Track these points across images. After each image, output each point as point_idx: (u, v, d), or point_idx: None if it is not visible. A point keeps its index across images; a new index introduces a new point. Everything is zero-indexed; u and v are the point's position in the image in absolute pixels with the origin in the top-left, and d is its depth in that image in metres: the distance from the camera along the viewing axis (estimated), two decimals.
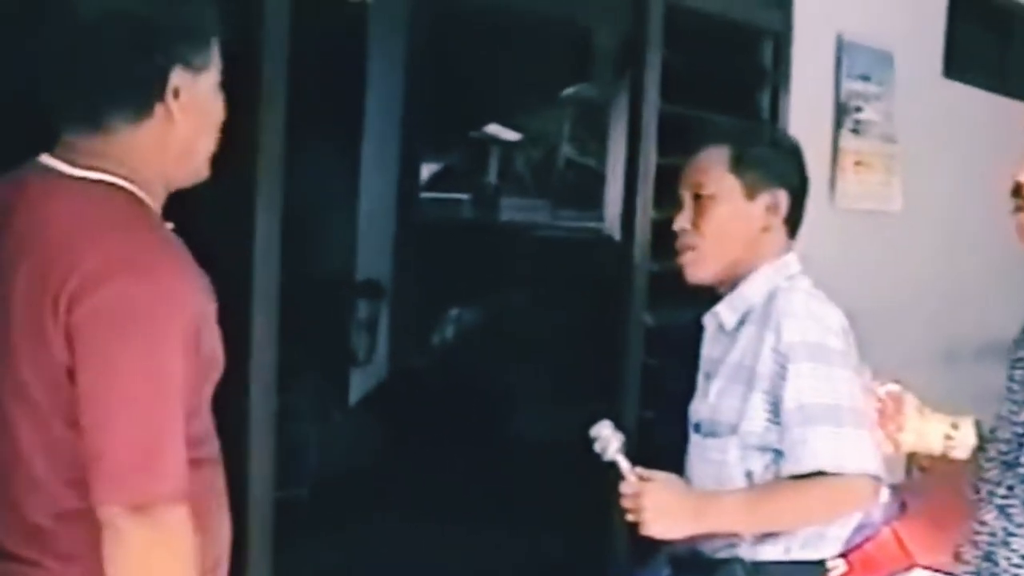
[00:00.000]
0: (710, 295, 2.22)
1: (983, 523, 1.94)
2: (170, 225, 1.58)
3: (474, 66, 5.72)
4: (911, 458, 2.52)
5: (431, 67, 5.51)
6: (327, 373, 5.13)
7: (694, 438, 2.18)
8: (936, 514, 2.37)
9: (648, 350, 3.15)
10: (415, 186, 5.93)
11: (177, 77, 1.54)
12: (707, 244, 2.16)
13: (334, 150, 4.99)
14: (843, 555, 2.13)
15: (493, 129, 7.29)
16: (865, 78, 4.06)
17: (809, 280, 2.17)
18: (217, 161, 1.66)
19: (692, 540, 2.07)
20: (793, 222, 2.20)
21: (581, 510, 3.03)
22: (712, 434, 2.12)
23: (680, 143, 2.35)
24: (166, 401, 1.46)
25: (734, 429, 2.07)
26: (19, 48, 1.59)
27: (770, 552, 2.07)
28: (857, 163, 4.07)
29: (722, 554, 2.09)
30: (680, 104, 3.11)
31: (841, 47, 3.95)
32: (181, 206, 1.63)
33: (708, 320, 2.22)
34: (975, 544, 1.96)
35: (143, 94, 1.53)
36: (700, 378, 2.22)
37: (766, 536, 2.06)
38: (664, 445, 2.24)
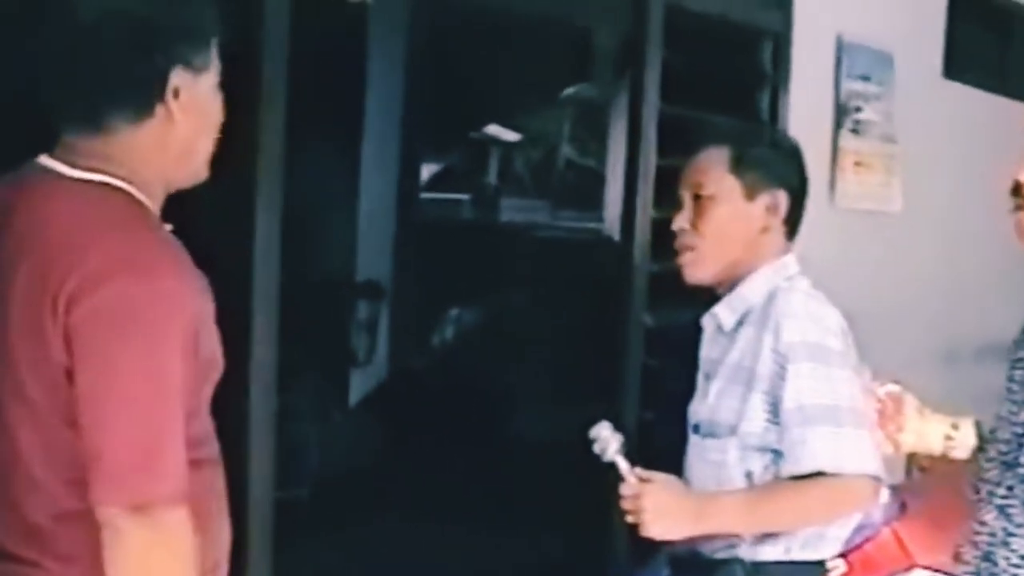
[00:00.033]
0: (710, 296, 2.22)
1: (983, 523, 1.94)
2: (169, 226, 1.58)
3: (474, 66, 5.72)
4: (911, 458, 2.52)
5: (431, 67, 5.51)
6: (327, 373, 5.13)
7: (693, 439, 2.18)
8: (936, 514, 2.37)
9: (648, 351, 3.15)
10: (415, 186, 5.93)
11: (177, 77, 1.54)
12: (706, 244, 2.16)
13: (334, 150, 4.99)
14: (843, 555, 2.13)
15: (493, 129, 7.29)
16: (865, 78, 4.06)
17: (808, 281, 2.17)
18: (217, 161, 1.66)
19: (692, 541, 2.07)
20: (792, 223, 2.20)
21: (581, 510, 3.03)
22: (711, 435, 2.12)
23: (680, 144, 2.35)
24: (165, 401, 1.46)
25: (733, 430, 2.07)
26: (19, 48, 1.58)
27: (770, 552, 2.07)
28: (857, 163, 4.06)
29: (722, 554, 2.09)
30: (680, 105, 3.11)
31: (841, 47, 3.95)
32: (181, 206, 1.63)
33: (707, 321, 2.22)
34: (975, 544, 1.96)
35: (143, 94, 1.53)
36: (699, 379, 2.22)
37: (766, 536, 2.06)
38: (664, 446, 2.24)
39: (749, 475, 2.06)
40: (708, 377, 2.18)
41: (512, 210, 6.89)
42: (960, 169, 4.57)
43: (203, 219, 1.71)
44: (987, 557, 1.93)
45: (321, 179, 4.39)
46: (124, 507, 1.42)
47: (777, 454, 2.02)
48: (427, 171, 6.53)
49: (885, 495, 2.14)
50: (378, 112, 5.34)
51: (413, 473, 4.32)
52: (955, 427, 2.14)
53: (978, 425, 2.13)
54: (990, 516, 1.93)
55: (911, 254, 4.38)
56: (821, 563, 2.10)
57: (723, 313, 2.17)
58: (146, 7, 1.51)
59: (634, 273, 3.10)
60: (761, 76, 3.56)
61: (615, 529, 2.59)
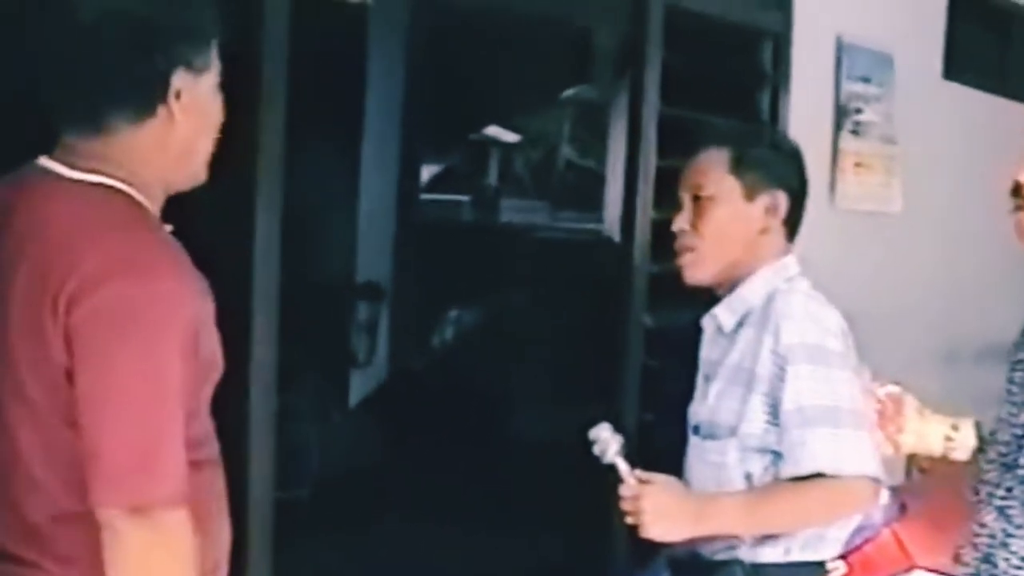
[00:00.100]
0: (709, 297, 2.22)
1: (982, 525, 1.94)
2: (169, 227, 1.58)
3: (474, 68, 5.73)
4: (911, 459, 2.52)
5: (431, 68, 5.52)
6: (327, 374, 5.13)
7: (693, 440, 2.18)
8: (936, 516, 2.37)
9: (648, 352, 3.15)
10: (415, 187, 5.94)
11: (179, 78, 1.54)
12: (706, 245, 2.16)
13: (334, 151, 4.99)
14: (843, 556, 2.13)
15: (493, 131, 7.31)
16: (865, 79, 4.06)
17: (808, 282, 2.17)
18: (217, 162, 1.66)
19: (692, 542, 2.07)
20: (792, 224, 2.20)
21: (581, 512, 3.03)
22: (711, 436, 2.12)
23: (680, 144, 2.35)
24: (164, 402, 1.46)
25: (733, 431, 2.07)
26: (18, 49, 1.58)
27: (770, 554, 2.07)
28: (857, 164, 4.06)
29: (721, 556, 2.09)
30: (680, 105, 3.11)
31: (841, 48, 3.95)
32: (181, 207, 1.63)
33: (707, 322, 2.22)
34: (974, 546, 1.97)
35: (145, 95, 1.53)
36: (699, 380, 2.22)
37: (766, 538, 2.06)
38: (664, 447, 2.24)
39: (749, 476, 2.06)
40: (708, 378, 2.18)
41: (512, 211, 6.91)
42: (960, 170, 4.57)
43: (203, 219, 1.71)
44: (987, 559, 1.93)
45: (321, 180, 4.39)
46: (123, 508, 1.42)
47: (777, 455, 2.02)
48: (427, 172, 6.54)
49: (885, 496, 2.14)
50: (378, 113, 5.35)
51: (413, 474, 4.33)
52: (955, 428, 2.14)
53: (978, 426, 2.13)
54: (990, 518, 1.93)
55: (911, 255, 4.38)
56: (821, 564, 2.10)
57: (723, 314, 2.17)
58: (148, 8, 1.51)
59: (634, 274, 3.10)
60: (761, 77, 3.56)
61: (615, 530, 2.59)
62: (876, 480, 1.99)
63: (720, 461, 2.08)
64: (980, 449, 2.09)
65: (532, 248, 5.70)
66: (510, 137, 7.38)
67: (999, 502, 1.92)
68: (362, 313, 5.39)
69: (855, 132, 4.04)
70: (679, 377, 2.28)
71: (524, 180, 7.45)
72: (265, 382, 2.18)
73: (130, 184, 1.53)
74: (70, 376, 1.44)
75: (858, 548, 2.19)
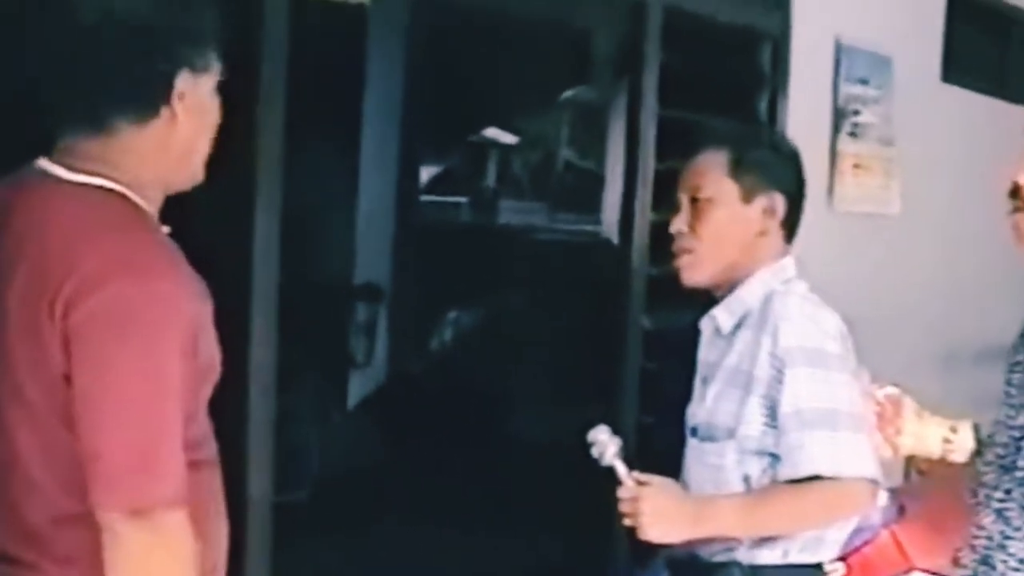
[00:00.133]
0: (708, 298, 2.22)
1: (981, 527, 1.94)
2: (166, 228, 1.58)
3: (473, 69, 5.73)
4: (910, 461, 2.53)
5: (430, 69, 5.51)
6: (326, 376, 5.13)
7: (691, 442, 2.18)
8: (935, 517, 2.37)
9: (646, 354, 3.15)
10: (414, 189, 5.94)
11: (181, 80, 1.55)
12: (704, 247, 2.16)
13: (333, 153, 4.99)
14: (841, 558, 2.13)
15: (492, 132, 7.31)
16: (863, 82, 4.06)
17: (806, 284, 2.17)
18: (216, 162, 1.66)
19: (690, 544, 2.07)
20: (790, 226, 2.20)
21: (580, 514, 3.03)
22: (709, 438, 2.11)
23: (679, 146, 2.35)
24: (163, 403, 1.46)
25: (731, 433, 2.07)
26: (17, 51, 1.58)
27: (768, 556, 2.07)
28: (855, 166, 4.07)
29: (720, 558, 2.09)
30: (678, 107, 3.12)
31: (839, 51, 3.96)
32: (180, 207, 1.63)
33: (705, 324, 2.22)
34: (973, 548, 1.96)
35: (149, 96, 1.53)
36: (697, 382, 2.22)
37: (764, 540, 2.06)
38: (663, 449, 2.24)
39: (747, 479, 2.06)
40: (706, 380, 2.18)
41: (511, 213, 6.91)
42: (958, 172, 4.58)
43: (202, 220, 1.71)
44: (985, 561, 1.93)
45: (320, 181, 4.39)
46: (123, 511, 1.42)
47: (775, 458, 2.02)
48: (426, 173, 6.54)
49: (883, 498, 2.14)
50: (377, 114, 5.35)
51: (412, 476, 4.32)
52: (954, 430, 2.14)
53: (977, 428, 2.13)
54: (988, 520, 1.93)
55: (910, 257, 4.38)
56: (819, 566, 2.10)
57: (721, 316, 2.17)
58: (152, 10, 1.52)
59: (632, 276, 3.10)
60: (760, 79, 3.57)
61: (614, 532, 2.59)
62: (874, 482, 1.99)
63: (718, 463, 2.08)
64: (978, 451, 2.08)
65: (531, 250, 5.70)
66: (509, 139, 7.38)
67: (997, 504, 1.92)
68: (361, 314, 5.39)
69: (853, 134, 4.05)
70: (678, 379, 2.28)
71: (523, 182, 7.45)
72: (264, 383, 2.18)
73: (128, 186, 1.54)
74: (68, 378, 1.45)
75: (857, 550, 2.20)
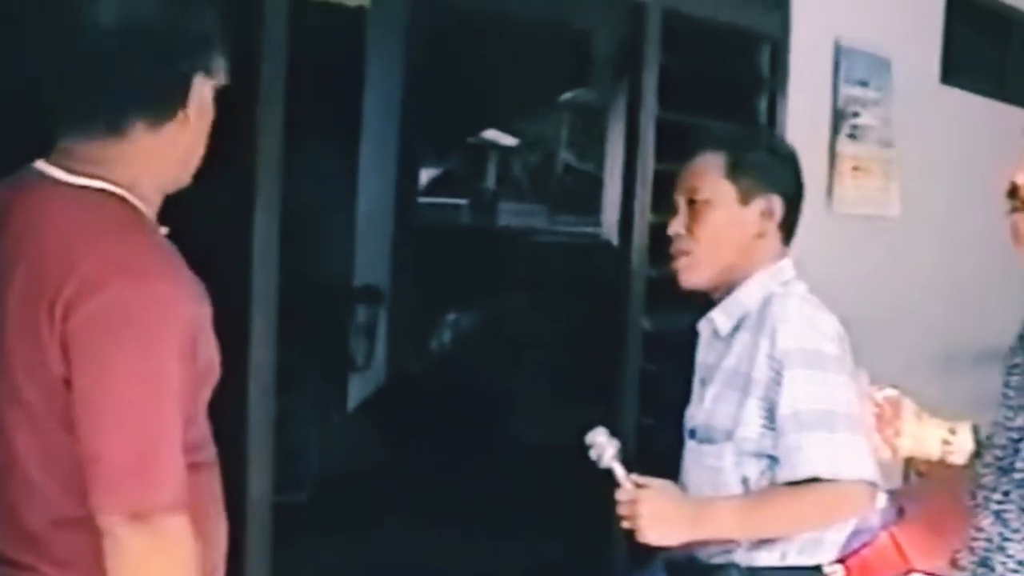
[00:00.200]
0: (707, 300, 2.22)
1: (979, 529, 1.94)
2: (165, 230, 1.59)
3: (472, 71, 5.73)
4: (909, 463, 2.52)
5: (429, 71, 5.52)
6: (326, 377, 5.13)
7: (690, 444, 2.18)
8: (934, 519, 2.37)
9: (646, 355, 3.15)
10: (413, 191, 5.95)
11: (197, 83, 1.57)
12: (701, 249, 2.16)
13: (332, 154, 4.99)
14: (840, 560, 2.13)
15: (491, 134, 7.31)
16: (863, 83, 4.06)
17: (804, 285, 2.17)
18: (216, 162, 1.66)
19: (688, 546, 2.07)
20: (788, 228, 2.20)
21: (579, 515, 3.03)
22: (708, 440, 2.11)
23: (678, 148, 2.35)
24: (162, 406, 1.46)
25: (730, 435, 2.07)
26: (21, 53, 1.58)
27: (766, 558, 2.07)
28: (855, 168, 4.07)
29: (718, 560, 2.09)
30: (678, 109, 3.12)
31: (839, 52, 3.96)
32: (180, 208, 1.63)
33: (703, 326, 2.22)
34: (971, 550, 1.96)
35: (169, 100, 1.55)
36: (695, 384, 2.22)
37: (762, 542, 2.06)
38: (662, 450, 2.23)
39: (745, 481, 2.06)
40: (704, 382, 2.18)
41: (510, 214, 6.92)
42: (958, 174, 4.58)
43: (202, 220, 1.71)
44: (984, 562, 1.93)
45: (319, 183, 4.39)
46: (123, 514, 1.42)
47: (773, 460, 2.02)
48: (425, 175, 6.54)
49: (882, 500, 2.14)
50: (376, 116, 5.35)
51: (412, 477, 4.32)
52: (953, 432, 2.13)
53: (976, 430, 2.13)
54: (986, 521, 1.93)
55: (909, 259, 4.38)
56: (818, 568, 2.10)
57: (719, 318, 2.17)
58: (171, 14, 1.53)
59: (632, 277, 3.10)
60: (759, 81, 3.57)
61: (613, 534, 2.59)
62: (872, 484, 1.99)
63: (716, 465, 2.08)
64: (977, 453, 2.08)
65: (530, 252, 5.70)
66: (508, 141, 7.39)
67: (995, 506, 1.92)
68: (360, 316, 5.39)
69: (853, 136, 4.05)
70: (677, 381, 2.28)
71: (522, 184, 7.46)
72: (264, 384, 2.18)
73: (127, 188, 1.54)
74: (67, 381, 1.44)
75: (856, 552, 2.20)
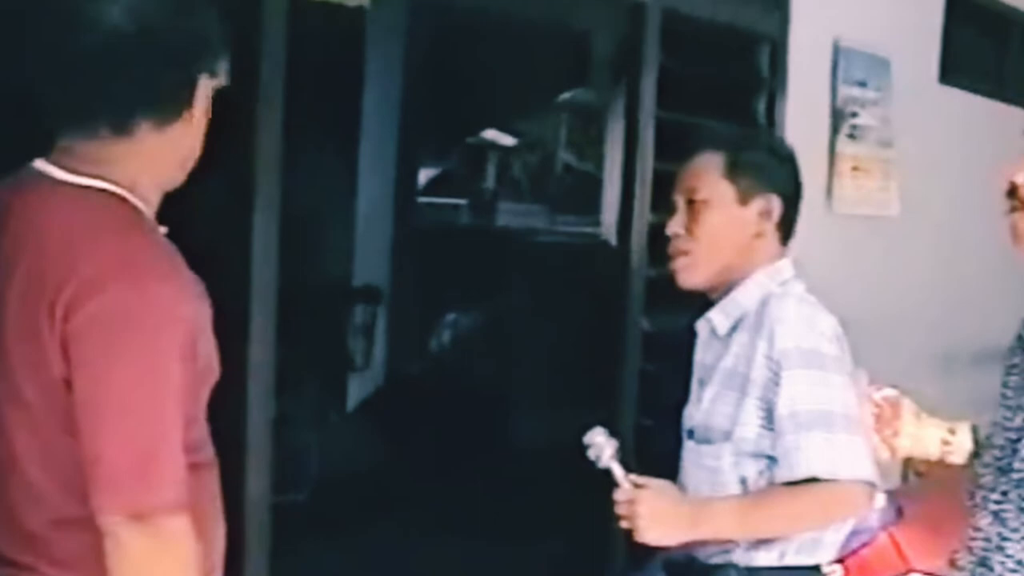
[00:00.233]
0: (706, 300, 2.22)
1: (978, 528, 1.94)
2: (164, 229, 1.59)
3: (471, 71, 5.73)
4: (908, 463, 2.52)
5: (428, 72, 5.52)
6: (325, 378, 5.13)
7: (688, 444, 2.18)
8: (933, 519, 2.37)
9: (645, 355, 3.15)
10: (412, 191, 5.94)
11: (202, 84, 1.58)
12: (700, 249, 2.16)
13: (332, 155, 4.99)
14: (839, 560, 2.13)
15: (490, 134, 7.30)
16: (862, 83, 4.06)
17: (802, 285, 2.17)
18: (215, 162, 1.66)
19: (687, 546, 2.07)
20: (787, 228, 2.20)
21: (578, 516, 3.03)
22: (706, 440, 2.12)
23: (677, 148, 2.35)
24: (164, 408, 1.46)
25: (728, 435, 2.07)
26: (22, 52, 1.58)
27: (765, 558, 2.07)
28: (854, 168, 4.07)
29: (716, 560, 2.09)
30: (677, 110, 3.12)
31: (838, 52, 3.96)
32: (179, 207, 1.63)
33: (701, 325, 2.22)
34: (970, 550, 1.96)
35: (177, 101, 1.56)
36: (693, 384, 2.22)
37: (761, 542, 2.06)
38: (662, 451, 2.23)
39: (743, 481, 2.06)
40: (702, 382, 2.18)
41: (509, 215, 6.90)
42: (957, 174, 4.58)
43: (201, 220, 1.71)
44: (982, 562, 1.93)
45: (319, 183, 4.39)
46: (124, 515, 1.42)
47: (771, 460, 2.02)
48: (424, 175, 6.54)
49: (881, 500, 2.14)
50: (375, 116, 5.35)
51: (411, 478, 4.32)
52: (952, 432, 2.14)
53: (975, 430, 2.13)
54: (985, 521, 1.93)
55: (908, 259, 4.38)
56: (817, 568, 2.10)
57: (717, 318, 2.17)
58: (179, 17, 1.54)
59: (631, 278, 3.10)
60: (758, 81, 3.57)
61: (612, 534, 2.59)
62: (870, 484, 1.99)
63: (715, 465, 2.09)
64: (977, 453, 2.08)
65: (529, 252, 5.69)
66: (507, 141, 7.38)
67: (994, 506, 1.92)
68: (359, 317, 5.39)
69: (852, 136, 4.05)
70: (677, 381, 2.28)
71: (521, 184, 7.45)
72: (263, 384, 2.18)
73: (128, 188, 1.54)
74: (68, 382, 1.45)
75: (855, 552, 2.20)
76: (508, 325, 5.32)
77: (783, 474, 1.98)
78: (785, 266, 2.18)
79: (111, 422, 1.43)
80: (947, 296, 4.62)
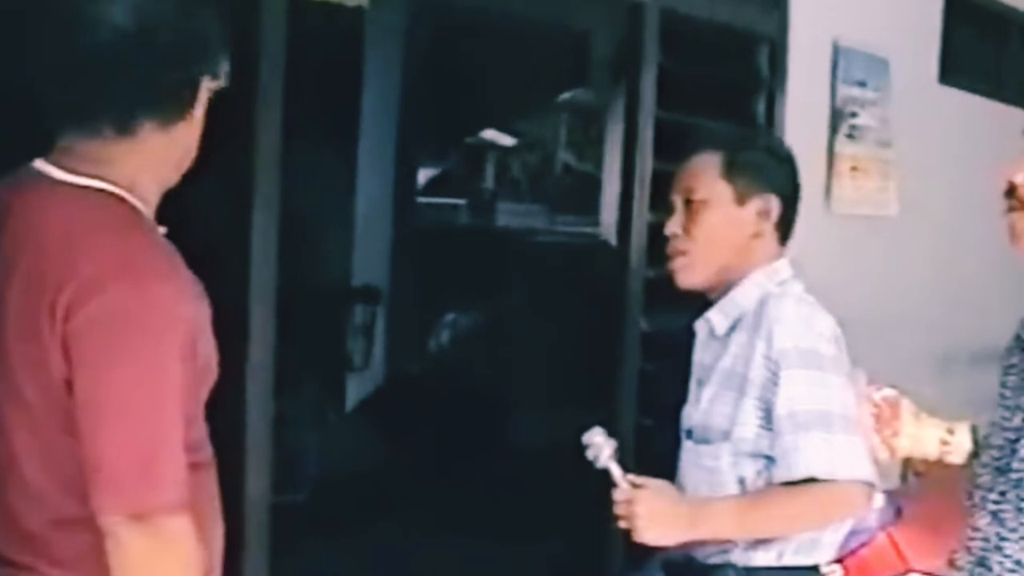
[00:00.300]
0: (704, 300, 2.22)
1: (976, 528, 1.94)
2: (163, 229, 1.59)
3: (470, 71, 5.73)
4: (907, 463, 2.52)
5: (428, 72, 5.52)
6: (324, 378, 5.13)
7: (686, 444, 2.18)
8: (932, 519, 2.37)
9: (645, 355, 3.15)
10: (412, 191, 5.94)
11: (204, 85, 1.59)
12: (698, 249, 2.16)
13: (331, 155, 4.99)
14: (838, 560, 2.13)
15: (490, 134, 7.30)
16: (861, 83, 4.07)
17: (801, 285, 2.17)
18: (214, 162, 1.67)
19: (685, 546, 2.07)
20: (785, 228, 2.20)
21: (577, 516, 3.03)
22: (704, 440, 2.12)
23: (676, 148, 2.35)
24: (164, 408, 1.46)
25: (726, 435, 2.07)
26: (22, 51, 1.58)
27: (763, 558, 2.07)
28: (853, 168, 4.07)
29: (715, 560, 2.09)
30: (676, 110, 3.12)
31: (837, 53, 3.96)
32: (178, 207, 1.63)
33: (700, 325, 2.22)
34: (968, 549, 1.96)
35: (178, 102, 1.56)
36: (692, 384, 2.22)
37: (759, 542, 2.06)
38: (661, 451, 2.24)
39: (742, 481, 2.06)
40: (701, 383, 2.18)
41: (509, 215, 6.90)
42: (956, 174, 4.58)
43: (200, 220, 1.71)
44: (981, 562, 1.93)
45: (318, 183, 4.39)
46: (125, 515, 1.43)
47: (770, 460, 2.02)
48: (424, 175, 6.53)
49: (880, 500, 2.14)
50: (374, 116, 5.34)
51: (410, 478, 4.32)
52: (951, 432, 2.14)
53: (974, 430, 2.13)
54: (983, 521, 1.93)
55: (908, 259, 4.38)
56: (815, 568, 2.10)
57: (716, 318, 2.17)
58: (182, 18, 1.54)
59: (630, 277, 3.10)
60: (757, 81, 3.57)
61: (611, 534, 2.59)
62: (869, 484, 1.99)
63: (713, 465, 2.09)
64: (976, 453, 2.08)
65: (529, 252, 5.69)
66: (507, 141, 7.38)
67: (992, 506, 1.92)
68: (358, 317, 5.38)
69: (851, 136, 4.05)
70: (676, 381, 2.28)
71: (521, 184, 7.45)
72: (262, 384, 2.18)
73: (127, 188, 1.54)
74: (68, 382, 1.45)
75: (853, 552, 2.20)
76: (507, 325, 5.32)
77: (781, 474, 1.98)
78: (783, 266, 2.18)
79: (111, 422, 1.43)
80: (946, 296, 4.62)
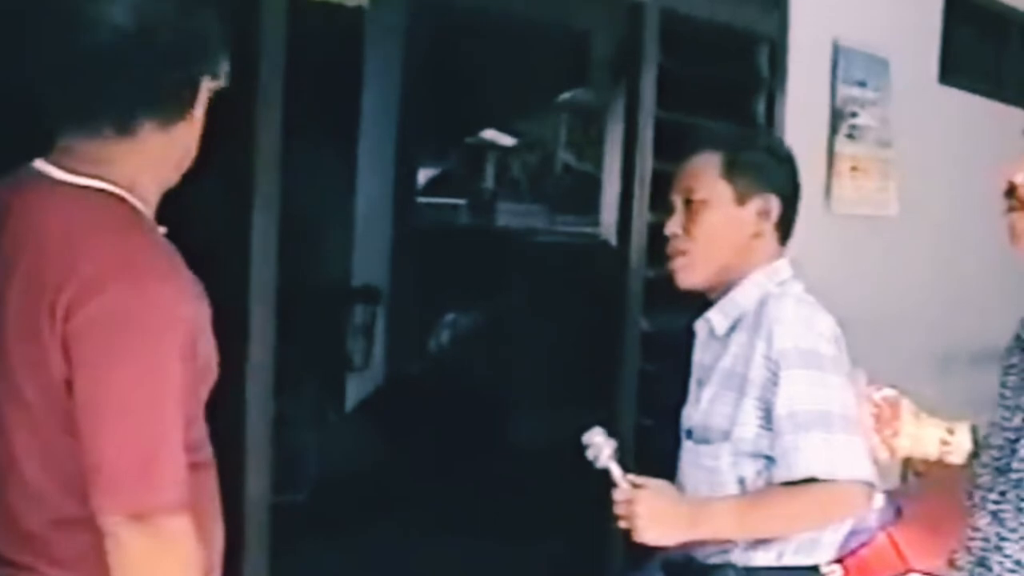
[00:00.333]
0: (704, 300, 2.22)
1: (976, 528, 1.94)
2: (163, 229, 1.59)
3: (470, 71, 5.73)
4: (907, 463, 2.52)
5: (427, 72, 5.52)
6: (324, 378, 5.12)
7: (686, 444, 2.18)
8: (932, 519, 2.37)
9: (645, 355, 3.15)
10: (412, 191, 5.94)
11: (204, 85, 1.59)
12: (698, 249, 2.16)
13: (331, 155, 4.98)
14: (838, 560, 2.13)
15: (490, 134, 7.30)
16: (861, 83, 4.07)
17: (801, 285, 2.17)
18: (214, 162, 1.67)
19: (685, 546, 2.07)
20: (785, 228, 2.20)
21: (577, 516, 3.03)
22: (704, 440, 2.12)
23: (676, 148, 2.35)
24: (164, 408, 1.46)
25: (726, 435, 2.07)
26: (22, 51, 1.58)
27: (763, 558, 2.07)
28: (853, 168, 4.07)
29: (715, 560, 2.09)
30: (676, 110, 3.12)
31: (837, 53, 3.96)
32: (178, 207, 1.63)
33: (700, 326, 2.22)
34: (968, 549, 1.96)
35: (181, 102, 1.56)
36: (692, 384, 2.22)
37: (759, 542, 2.06)
38: (662, 451, 2.24)
39: (742, 481, 2.06)
40: (701, 383, 2.18)
41: (509, 215, 6.90)
42: (956, 174, 4.58)
43: (200, 220, 1.71)
44: (981, 562, 1.93)
45: (318, 183, 4.39)
46: (125, 515, 1.43)
47: (770, 460, 2.02)
48: (424, 175, 6.53)
49: (880, 500, 2.14)
50: (374, 116, 5.34)
51: (410, 478, 4.32)
52: (951, 432, 2.14)
53: (974, 430, 2.13)
54: (983, 521, 1.93)
55: (907, 259, 4.38)
56: (815, 568, 2.10)
57: (716, 318, 2.17)
58: (183, 18, 1.54)
59: (630, 278, 3.10)
60: (757, 81, 3.57)
61: (611, 534, 2.59)
62: (869, 484, 1.99)
63: (713, 465, 2.09)
64: (976, 453, 2.08)
65: (528, 252, 5.69)
66: (507, 141, 7.38)
67: (992, 506, 1.92)
68: (358, 317, 5.38)
69: (851, 136, 4.05)
70: (676, 381, 2.28)
71: (521, 184, 7.45)
72: (262, 384, 2.18)
73: (127, 188, 1.54)
74: (68, 382, 1.45)
75: (853, 552, 2.20)
76: (507, 325, 5.32)
77: (781, 474, 1.98)
78: (783, 266, 2.18)
79: (111, 422, 1.43)
80: (946, 296, 4.62)
